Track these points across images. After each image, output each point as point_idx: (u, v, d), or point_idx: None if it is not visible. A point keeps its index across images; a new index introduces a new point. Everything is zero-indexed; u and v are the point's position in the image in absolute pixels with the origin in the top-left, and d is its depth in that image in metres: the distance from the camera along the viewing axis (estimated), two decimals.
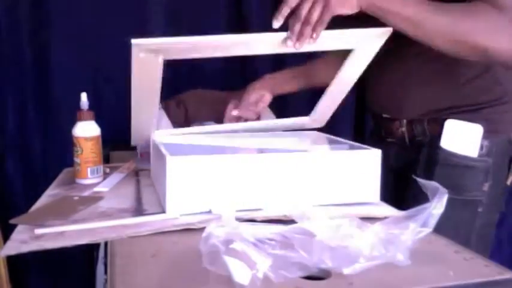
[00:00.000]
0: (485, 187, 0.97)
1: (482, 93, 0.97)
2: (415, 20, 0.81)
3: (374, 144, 0.90)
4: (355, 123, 1.69)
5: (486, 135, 0.96)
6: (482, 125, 0.95)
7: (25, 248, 0.66)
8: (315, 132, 1.20)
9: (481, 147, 0.96)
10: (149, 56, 0.82)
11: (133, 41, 0.77)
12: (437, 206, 0.58)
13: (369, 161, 0.86)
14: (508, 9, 0.78)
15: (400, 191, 1.04)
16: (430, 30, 0.81)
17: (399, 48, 0.98)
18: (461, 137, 0.96)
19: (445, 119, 0.97)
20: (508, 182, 1.02)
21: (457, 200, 0.93)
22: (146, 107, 0.95)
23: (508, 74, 0.97)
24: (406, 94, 1.03)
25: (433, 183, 0.60)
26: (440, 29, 0.81)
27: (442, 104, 0.99)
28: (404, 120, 1.05)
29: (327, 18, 0.81)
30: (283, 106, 1.59)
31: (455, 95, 0.98)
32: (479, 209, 0.98)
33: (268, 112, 1.46)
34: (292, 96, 1.56)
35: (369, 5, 0.82)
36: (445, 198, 0.58)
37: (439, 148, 0.97)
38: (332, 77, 1.01)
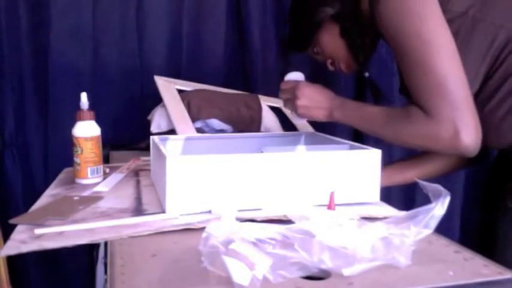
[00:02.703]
0: None
1: None
2: (370, 132, 0.97)
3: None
4: None
5: None
6: None
7: (25, 248, 0.66)
8: (315, 132, 1.20)
9: None
10: None
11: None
12: (439, 208, 0.58)
13: (369, 161, 0.86)
14: (434, 115, 0.83)
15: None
16: (383, 137, 0.94)
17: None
18: None
19: None
20: None
21: None
22: None
23: None
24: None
25: (435, 185, 0.60)
26: (389, 138, 0.93)
27: None
28: None
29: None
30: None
31: None
32: None
33: (271, 114, 1.46)
34: None
35: (336, 120, 0.99)
36: (447, 200, 0.58)
37: None
38: (444, 164, 1.09)
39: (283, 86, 1.06)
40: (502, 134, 0.90)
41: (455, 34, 0.85)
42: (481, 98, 0.89)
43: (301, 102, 0.99)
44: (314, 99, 1.00)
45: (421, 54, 0.84)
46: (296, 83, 1.02)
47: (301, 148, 0.94)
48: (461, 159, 1.06)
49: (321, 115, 1.00)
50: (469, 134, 0.81)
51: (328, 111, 0.98)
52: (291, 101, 1.02)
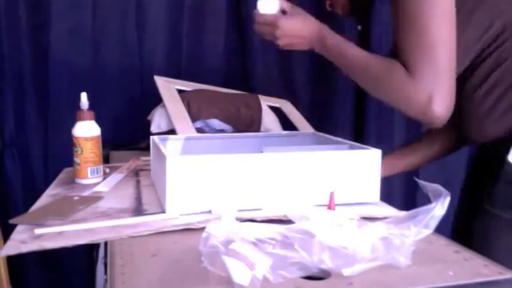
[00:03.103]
0: None
1: None
2: (348, 73, 0.94)
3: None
4: (354, 123, 1.69)
5: None
6: None
7: (25, 248, 0.66)
8: (315, 132, 1.20)
9: None
10: None
11: None
12: (439, 208, 0.58)
13: (369, 161, 0.86)
14: (414, 74, 0.81)
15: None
16: (358, 80, 0.93)
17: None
18: None
19: None
20: None
21: None
22: None
23: None
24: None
25: (435, 185, 0.60)
26: (363, 84, 0.92)
27: None
28: None
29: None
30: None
31: None
32: None
33: (271, 114, 1.46)
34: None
35: (318, 51, 0.96)
36: (447, 201, 0.58)
37: (506, 163, 0.88)
38: (443, 146, 1.09)
39: (259, 19, 0.97)
40: (484, 127, 0.89)
41: (456, 13, 0.82)
42: (467, 90, 0.88)
43: (283, 42, 0.95)
44: (295, 35, 0.95)
45: (418, 12, 0.81)
46: (274, 18, 0.95)
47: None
48: (458, 140, 1.06)
49: (302, 46, 0.97)
50: (441, 104, 0.80)
51: (309, 45, 0.96)
52: (269, 36, 0.97)
